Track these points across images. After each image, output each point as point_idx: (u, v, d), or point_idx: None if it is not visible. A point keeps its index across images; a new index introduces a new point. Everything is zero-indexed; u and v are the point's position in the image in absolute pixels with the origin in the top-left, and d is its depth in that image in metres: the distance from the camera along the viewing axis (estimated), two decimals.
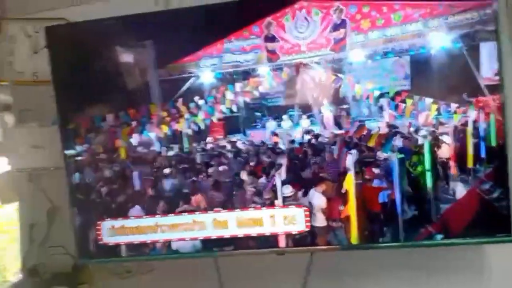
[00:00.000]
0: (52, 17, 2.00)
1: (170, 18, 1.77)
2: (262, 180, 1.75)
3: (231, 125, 1.81)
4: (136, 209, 1.84)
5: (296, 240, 1.72)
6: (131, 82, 1.82)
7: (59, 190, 1.87)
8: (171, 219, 1.79)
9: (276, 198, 1.72)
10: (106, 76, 1.83)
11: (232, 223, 1.73)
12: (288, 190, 1.72)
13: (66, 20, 1.96)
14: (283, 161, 1.74)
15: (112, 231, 1.82)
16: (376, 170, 1.71)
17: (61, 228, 1.89)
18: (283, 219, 1.70)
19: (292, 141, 1.75)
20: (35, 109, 1.99)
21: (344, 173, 1.69)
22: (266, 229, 1.72)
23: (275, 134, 1.77)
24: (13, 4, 2.20)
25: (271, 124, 1.77)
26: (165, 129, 1.82)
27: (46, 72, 1.91)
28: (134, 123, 1.83)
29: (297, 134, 1.75)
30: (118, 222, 1.81)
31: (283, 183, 1.73)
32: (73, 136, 1.84)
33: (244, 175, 1.77)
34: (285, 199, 1.73)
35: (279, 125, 1.76)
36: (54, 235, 1.92)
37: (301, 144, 1.75)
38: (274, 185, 1.72)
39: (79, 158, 1.84)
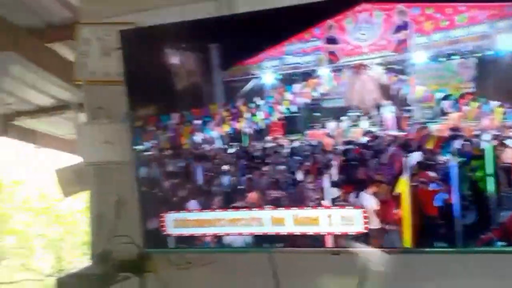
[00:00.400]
0: (122, 22, 2.15)
1: (234, 22, 1.85)
2: (317, 179, 1.79)
3: (290, 125, 1.85)
4: (194, 203, 1.94)
5: (352, 241, 1.74)
6: (195, 83, 1.92)
7: (126, 183, 2.01)
8: (230, 214, 1.87)
9: (325, 198, 1.75)
10: (173, 77, 1.94)
11: (289, 220, 1.78)
12: (336, 190, 1.75)
13: (135, 24, 2.09)
14: (338, 161, 1.77)
15: (174, 223, 1.92)
16: (433, 173, 1.69)
17: (128, 218, 2.02)
18: (340, 219, 1.72)
19: (350, 142, 1.77)
20: (106, 107, 2.14)
21: (400, 175, 1.68)
22: (323, 228, 1.75)
23: (332, 134, 1.79)
24: (87, 10, 2.38)
25: (329, 125, 1.79)
26: (226, 128, 1.90)
27: (116, 72, 2.06)
28: (197, 122, 1.92)
29: (355, 135, 1.76)
30: (180, 215, 1.92)
31: (335, 184, 1.76)
32: (141, 133, 1.97)
33: (300, 175, 1.82)
34: (333, 200, 1.76)
35: (338, 126, 1.78)
36: (121, 225, 2.04)
37: (358, 145, 1.76)
38: (325, 185, 1.75)
39: (146, 153, 1.97)
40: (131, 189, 1.98)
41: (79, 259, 9.77)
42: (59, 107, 4.69)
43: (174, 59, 1.94)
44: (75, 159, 6.18)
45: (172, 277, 1.98)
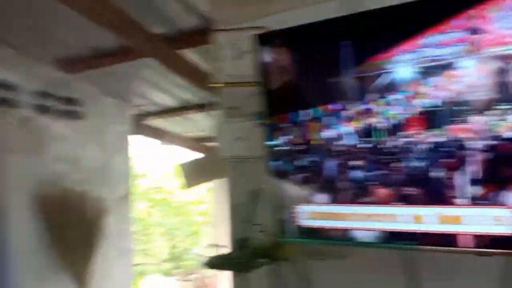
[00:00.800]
0: (253, 26, 2.30)
1: (367, 18, 1.87)
2: (457, 176, 1.72)
3: (428, 119, 1.78)
4: (325, 197, 2.00)
5: (499, 242, 1.64)
6: (326, 80, 1.97)
7: (260, 176, 2.15)
8: (363, 208, 1.89)
9: (465, 196, 1.67)
10: (304, 75, 2.03)
11: (427, 218, 1.74)
12: (478, 188, 1.66)
13: (266, 28, 2.22)
14: (481, 158, 1.68)
15: (306, 215, 2.01)
16: None
17: (262, 208, 2.17)
18: (486, 219, 1.64)
19: (496, 137, 1.66)
20: (239, 106, 2.32)
21: None
22: (465, 228, 1.68)
23: (475, 129, 1.70)
24: (219, 17, 2.60)
25: (472, 119, 1.70)
26: (358, 123, 1.92)
27: (249, 74, 2.22)
28: (327, 118, 1.98)
29: (502, 129, 1.65)
30: (311, 207, 2.00)
31: (477, 181, 1.67)
32: (273, 130, 2.09)
33: (438, 171, 1.76)
34: (475, 198, 1.66)
35: (482, 120, 1.68)
36: (256, 214, 2.20)
37: (505, 140, 1.65)
38: (466, 183, 1.67)
39: (278, 148, 2.09)
40: (264, 181, 2.12)
41: (192, 247, 10.64)
42: (181, 108, 5.17)
43: (304, 58, 2.03)
44: (195, 155, 6.73)
45: (305, 266, 2.08)
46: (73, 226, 3.91)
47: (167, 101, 4.98)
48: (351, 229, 1.93)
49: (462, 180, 1.70)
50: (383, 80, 1.86)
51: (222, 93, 2.43)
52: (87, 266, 3.95)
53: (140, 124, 5.38)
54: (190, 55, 3.69)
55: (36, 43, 3.39)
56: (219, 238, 8.12)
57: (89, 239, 4.07)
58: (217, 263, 1.95)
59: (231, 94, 2.37)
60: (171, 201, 11.01)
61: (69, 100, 4.06)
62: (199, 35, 3.21)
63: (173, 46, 3.44)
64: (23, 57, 3.52)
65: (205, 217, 11.35)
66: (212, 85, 2.45)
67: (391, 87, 1.84)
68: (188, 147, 6.37)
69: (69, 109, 4.08)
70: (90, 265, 4.00)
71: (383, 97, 1.86)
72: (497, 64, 1.67)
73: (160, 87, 4.60)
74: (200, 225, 11.38)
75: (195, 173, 5.84)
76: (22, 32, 3.23)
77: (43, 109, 3.79)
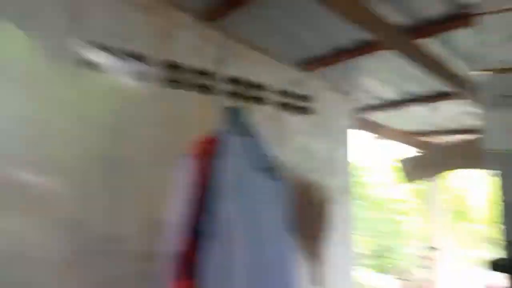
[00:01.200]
0: None
1: None
2: None
3: None
4: None
5: None
6: None
7: None
8: None
9: None
10: None
11: None
12: None
13: None
14: None
15: None
16: None
17: None
18: None
19: None
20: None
21: None
22: None
23: None
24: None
25: None
26: None
27: None
28: None
29: None
30: None
31: None
32: None
33: None
34: None
35: None
36: None
37: None
38: None
39: None
40: None
41: (395, 245, 10.35)
42: (402, 101, 5.06)
43: None
44: (410, 150, 6.51)
45: None
46: (306, 209, 4.31)
47: (388, 94, 4.94)
48: None
49: None
50: None
51: (488, 80, 2.24)
52: (317, 247, 4.31)
53: (358, 117, 5.52)
54: (429, 44, 3.56)
55: (283, 47, 3.87)
56: (429, 239, 7.63)
57: (318, 223, 4.42)
58: (505, 265, 1.81)
59: (503, 81, 2.17)
60: (374, 197, 10.93)
61: (304, 97, 4.48)
62: (447, 22, 3.05)
63: (415, 36, 3.36)
64: (272, 61, 4.07)
65: (407, 216, 10.86)
66: (475, 72, 2.29)
67: None
68: (403, 142, 6.17)
69: (303, 105, 4.50)
70: (320, 247, 4.34)
71: None
72: None
73: (383, 80, 4.61)
74: (401, 223, 10.96)
75: (416, 169, 5.66)
76: (274, 40, 3.73)
77: (284, 106, 4.29)
